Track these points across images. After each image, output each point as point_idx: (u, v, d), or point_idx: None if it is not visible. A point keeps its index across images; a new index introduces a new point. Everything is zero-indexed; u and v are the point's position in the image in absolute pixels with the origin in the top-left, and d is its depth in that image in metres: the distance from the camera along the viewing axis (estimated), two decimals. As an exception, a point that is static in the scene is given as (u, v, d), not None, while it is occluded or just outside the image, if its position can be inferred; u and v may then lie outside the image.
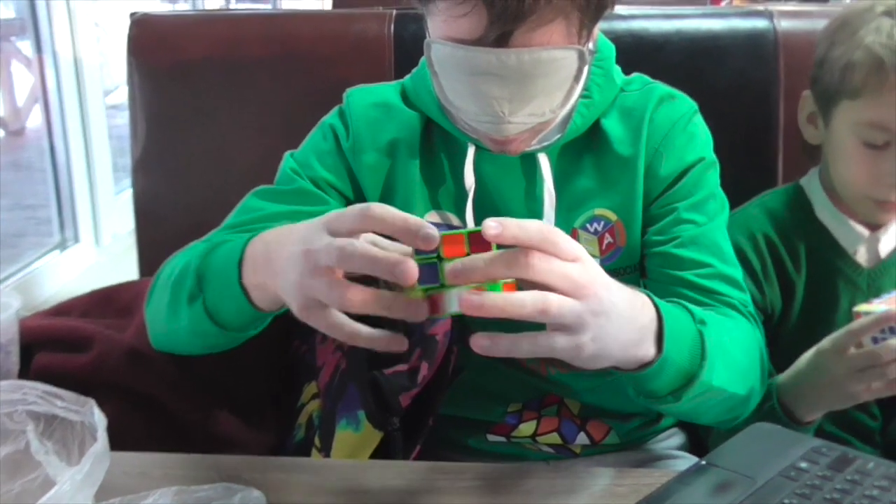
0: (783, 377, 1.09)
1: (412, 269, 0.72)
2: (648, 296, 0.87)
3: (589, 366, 0.80)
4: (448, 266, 0.73)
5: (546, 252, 0.74)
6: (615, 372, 0.88)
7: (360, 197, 1.10)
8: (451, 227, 1.07)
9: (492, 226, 0.71)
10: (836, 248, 1.22)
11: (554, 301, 0.73)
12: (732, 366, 0.95)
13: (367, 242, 0.76)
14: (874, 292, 1.09)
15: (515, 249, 0.73)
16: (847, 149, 1.18)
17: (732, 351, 0.96)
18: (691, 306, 0.94)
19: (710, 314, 0.97)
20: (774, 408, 1.07)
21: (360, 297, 0.74)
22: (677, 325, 0.88)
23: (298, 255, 0.77)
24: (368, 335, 0.78)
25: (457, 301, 0.73)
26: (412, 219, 0.74)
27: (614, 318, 0.79)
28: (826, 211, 1.24)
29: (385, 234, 0.77)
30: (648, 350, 0.85)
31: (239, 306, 0.92)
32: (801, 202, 1.26)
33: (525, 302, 0.73)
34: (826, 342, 1.04)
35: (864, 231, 1.22)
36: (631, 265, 1.08)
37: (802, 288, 1.23)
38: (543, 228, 0.74)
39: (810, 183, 1.27)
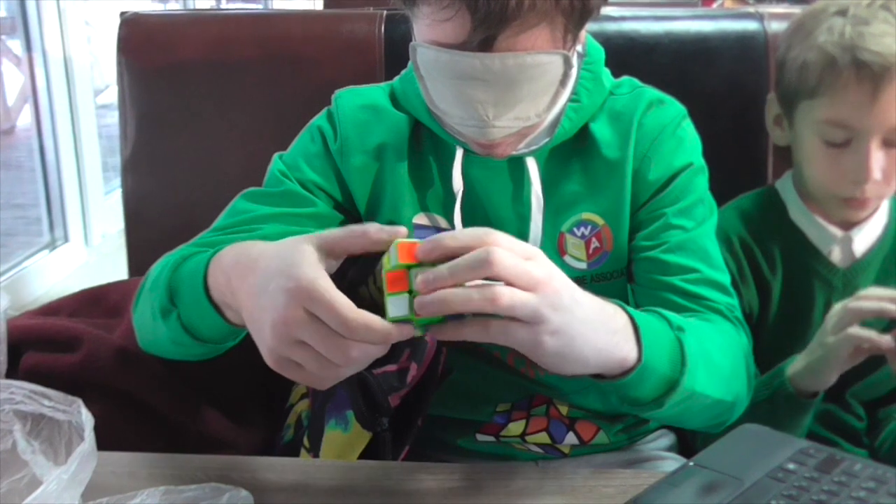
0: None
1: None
2: (619, 304, 0.87)
3: (561, 368, 0.80)
4: (418, 276, 0.73)
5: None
6: (595, 381, 0.87)
7: (349, 199, 1.09)
8: (439, 230, 1.07)
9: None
10: (810, 249, 1.23)
11: (505, 292, 0.73)
12: (715, 371, 0.95)
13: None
14: (850, 292, 1.09)
15: (478, 251, 0.73)
16: (810, 148, 1.19)
17: (715, 357, 0.96)
18: (668, 313, 0.94)
19: (689, 321, 0.96)
20: (784, 383, 1.09)
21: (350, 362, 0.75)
22: (653, 332, 0.88)
23: (272, 324, 0.75)
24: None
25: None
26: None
27: (580, 317, 0.79)
28: (799, 212, 1.24)
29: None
30: (630, 354, 0.85)
31: (213, 322, 0.92)
32: (774, 204, 1.27)
33: (471, 294, 0.73)
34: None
35: (837, 231, 1.22)
36: (618, 270, 1.07)
37: (778, 289, 1.23)
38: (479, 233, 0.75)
39: (784, 185, 1.28)
